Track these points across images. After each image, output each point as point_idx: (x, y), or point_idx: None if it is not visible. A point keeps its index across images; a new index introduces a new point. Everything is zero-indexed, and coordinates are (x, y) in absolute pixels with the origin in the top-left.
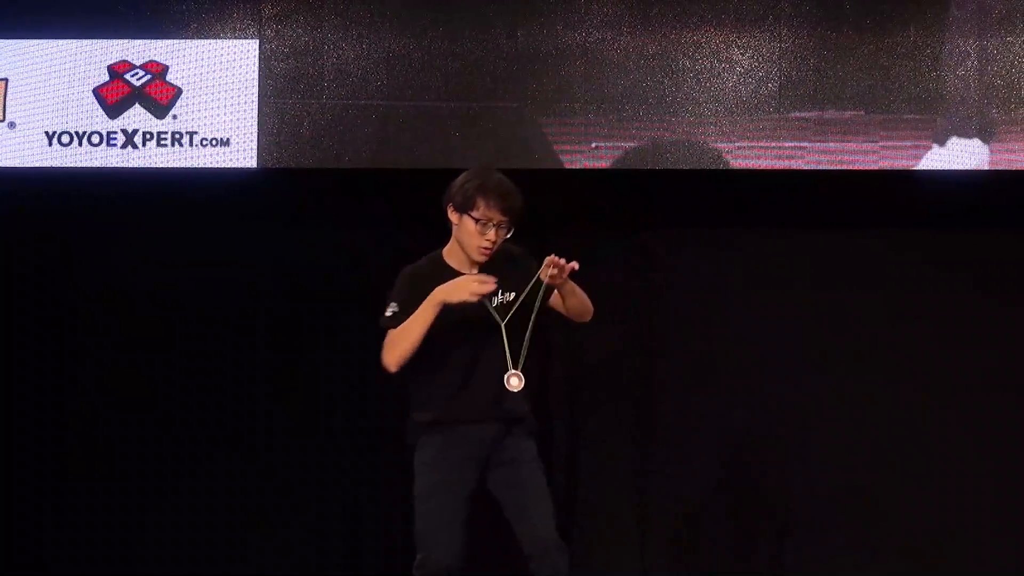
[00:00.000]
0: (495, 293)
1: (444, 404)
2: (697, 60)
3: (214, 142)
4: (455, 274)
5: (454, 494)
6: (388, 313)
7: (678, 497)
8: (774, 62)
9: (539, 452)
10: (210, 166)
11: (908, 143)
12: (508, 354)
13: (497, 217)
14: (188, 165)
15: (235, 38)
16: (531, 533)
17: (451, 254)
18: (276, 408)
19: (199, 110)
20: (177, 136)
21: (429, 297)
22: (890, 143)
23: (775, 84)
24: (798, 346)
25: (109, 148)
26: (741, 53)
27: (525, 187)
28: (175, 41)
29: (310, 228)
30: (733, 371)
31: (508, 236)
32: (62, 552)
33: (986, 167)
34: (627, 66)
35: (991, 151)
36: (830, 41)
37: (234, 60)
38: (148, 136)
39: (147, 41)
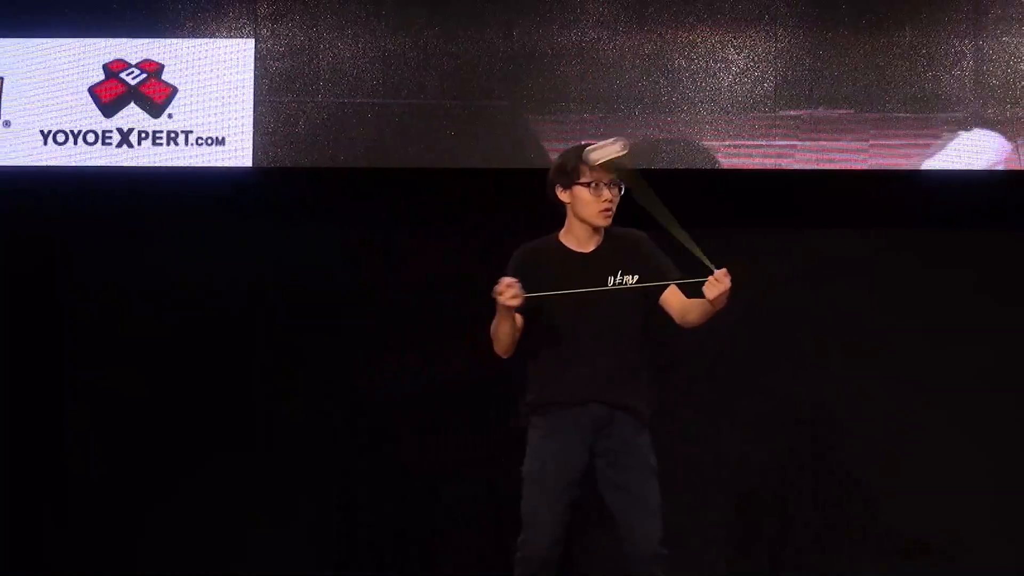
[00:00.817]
0: (613, 274)
1: (546, 385)
2: (693, 60)
3: (209, 141)
4: (569, 253)
5: (556, 479)
6: None
7: (678, 496)
8: (770, 62)
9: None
10: (205, 165)
11: (903, 143)
12: None
13: (605, 176)
14: (183, 164)
15: (230, 37)
16: (632, 540)
17: (567, 235)
18: (273, 407)
19: (194, 109)
20: (172, 135)
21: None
22: (884, 142)
23: (771, 84)
24: (796, 345)
25: (104, 147)
26: (737, 53)
27: (521, 187)
28: (170, 40)
29: (305, 227)
30: (731, 369)
31: (622, 193)
32: (62, 552)
33: (981, 167)
34: (623, 66)
35: (986, 151)
36: (826, 41)
37: (229, 59)
38: (143, 135)
39: (142, 40)
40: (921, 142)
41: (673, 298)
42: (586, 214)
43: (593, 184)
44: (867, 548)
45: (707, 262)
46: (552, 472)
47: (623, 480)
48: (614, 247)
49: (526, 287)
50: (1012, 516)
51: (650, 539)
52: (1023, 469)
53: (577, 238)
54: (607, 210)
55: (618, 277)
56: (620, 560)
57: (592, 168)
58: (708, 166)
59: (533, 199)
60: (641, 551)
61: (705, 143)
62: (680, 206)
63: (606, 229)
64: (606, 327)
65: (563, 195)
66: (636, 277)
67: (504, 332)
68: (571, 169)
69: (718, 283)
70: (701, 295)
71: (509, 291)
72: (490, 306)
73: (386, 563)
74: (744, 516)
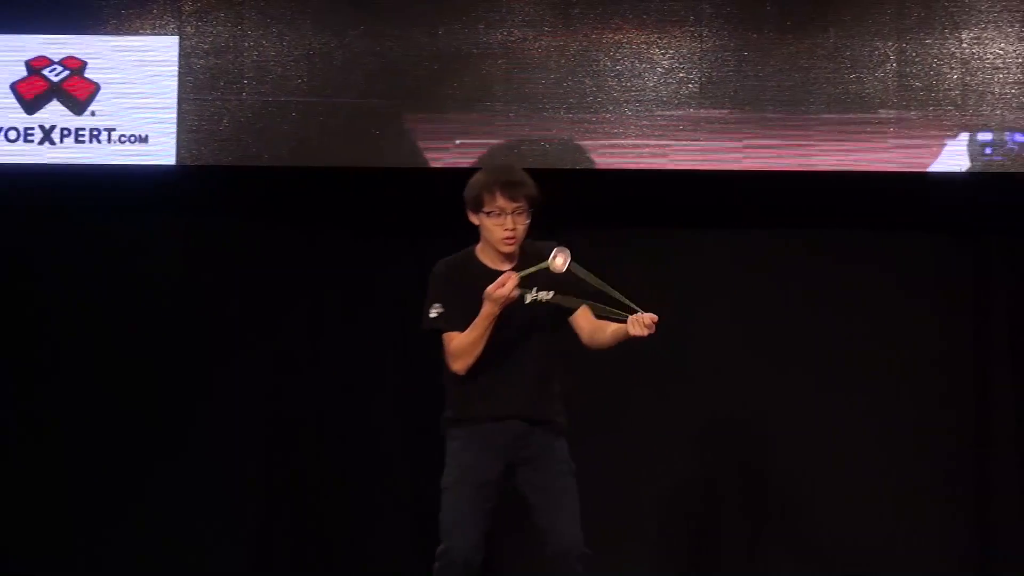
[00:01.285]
0: (530, 290)
1: (469, 402)
2: (618, 60)
3: (132, 139)
4: (487, 270)
5: (474, 486)
6: (433, 314)
7: (609, 501)
8: (695, 63)
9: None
10: (128, 163)
11: (828, 143)
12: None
13: (509, 206)
14: (106, 162)
15: (155, 34)
16: (555, 540)
17: (483, 252)
18: (192, 406)
19: (118, 107)
20: (95, 133)
21: (482, 314)
22: (809, 143)
23: (696, 84)
24: (724, 348)
25: (26, 144)
26: (662, 53)
27: (445, 185)
28: (94, 37)
29: (229, 225)
30: (655, 375)
31: (528, 221)
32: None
33: (904, 169)
34: (548, 66)
35: (908, 153)
36: (751, 42)
37: (153, 56)
38: (66, 132)
39: (66, 37)
40: (845, 144)
41: (583, 319)
42: (491, 240)
43: (496, 212)
44: (796, 552)
45: (635, 307)
46: (469, 480)
47: (542, 481)
48: (531, 264)
49: (452, 302)
50: (942, 521)
51: (572, 538)
52: (953, 474)
53: (491, 257)
54: (509, 238)
55: (534, 293)
56: (544, 563)
57: (495, 197)
58: (634, 166)
59: (457, 198)
60: (564, 550)
61: (631, 143)
62: (605, 206)
63: (524, 245)
64: (524, 344)
65: (473, 218)
66: (552, 293)
67: (484, 336)
68: (474, 197)
69: (646, 328)
70: (613, 318)
71: (512, 281)
72: (415, 303)
73: (308, 567)
74: (675, 520)
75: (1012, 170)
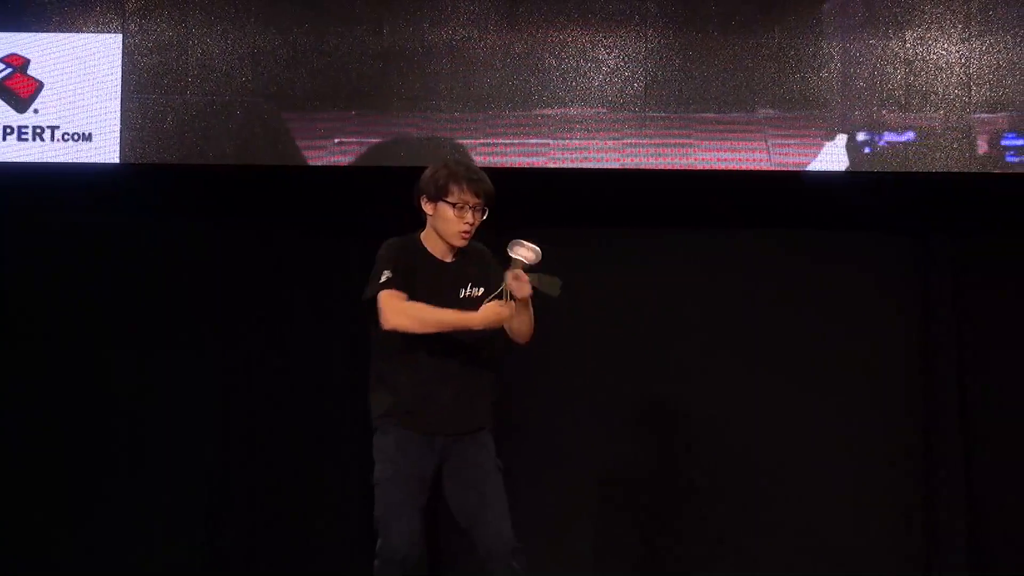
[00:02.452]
0: (464, 286)
1: (397, 409)
2: (563, 59)
3: (76, 137)
4: (431, 257)
5: (410, 479)
6: (383, 279)
7: (550, 494)
8: (640, 62)
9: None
10: (72, 161)
11: (770, 143)
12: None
13: (472, 200)
14: (50, 160)
15: (98, 32)
16: (490, 536)
17: (427, 239)
18: (137, 406)
19: (61, 104)
20: (38, 130)
21: (467, 317)
22: (751, 144)
23: (641, 84)
24: (669, 342)
25: None
26: (607, 53)
27: (387, 185)
28: (37, 34)
29: (173, 224)
30: (596, 365)
31: (484, 218)
32: None
33: (847, 168)
34: (493, 64)
35: (853, 152)
36: (696, 42)
37: (97, 54)
38: (9, 130)
39: (8, 34)
40: (787, 143)
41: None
42: (445, 231)
43: (459, 205)
44: (747, 549)
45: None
46: (404, 473)
47: (472, 479)
48: (466, 259)
49: (403, 271)
50: (888, 522)
51: (506, 534)
52: (900, 475)
53: (435, 245)
54: (467, 232)
55: (468, 289)
56: (479, 563)
57: (462, 189)
58: (579, 165)
59: (403, 198)
60: (499, 547)
61: (575, 142)
62: (549, 205)
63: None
64: (460, 344)
65: (427, 207)
66: (482, 289)
67: (449, 327)
68: (440, 185)
69: (517, 279)
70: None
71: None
72: (351, 299)
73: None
74: (617, 514)
75: (955, 169)
